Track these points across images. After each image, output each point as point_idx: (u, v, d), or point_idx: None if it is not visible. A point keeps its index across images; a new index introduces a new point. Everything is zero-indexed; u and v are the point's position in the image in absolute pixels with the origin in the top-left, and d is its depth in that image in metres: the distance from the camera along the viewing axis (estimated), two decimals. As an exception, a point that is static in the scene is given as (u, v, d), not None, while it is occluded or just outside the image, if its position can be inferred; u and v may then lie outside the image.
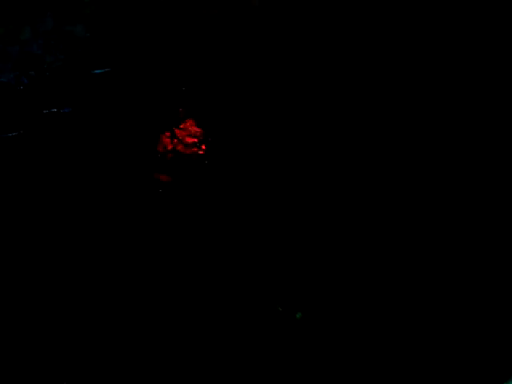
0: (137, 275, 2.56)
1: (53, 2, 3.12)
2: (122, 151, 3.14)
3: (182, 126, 3.19)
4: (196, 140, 3.15)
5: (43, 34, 3.14)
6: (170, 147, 3.15)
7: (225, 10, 3.19)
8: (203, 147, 3.16)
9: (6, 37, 3.13)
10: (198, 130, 3.16)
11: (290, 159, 3.01)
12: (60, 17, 3.14)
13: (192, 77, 3.23)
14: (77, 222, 2.88)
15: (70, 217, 2.90)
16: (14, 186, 2.97)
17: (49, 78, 3.15)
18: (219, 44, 3.22)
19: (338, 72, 3.09)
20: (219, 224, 2.86)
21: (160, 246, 2.74)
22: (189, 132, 3.17)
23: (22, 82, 3.13)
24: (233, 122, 3.17)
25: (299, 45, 3.16)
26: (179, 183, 3.08)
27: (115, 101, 3.15)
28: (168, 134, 3.20)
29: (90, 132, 3.14)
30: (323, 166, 2.93)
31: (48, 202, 2.94)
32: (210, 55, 3.22)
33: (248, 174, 3.03)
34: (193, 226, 2.90)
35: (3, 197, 2.91)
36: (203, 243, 2.75)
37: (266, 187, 2.96)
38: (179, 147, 3.16)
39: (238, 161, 3.08)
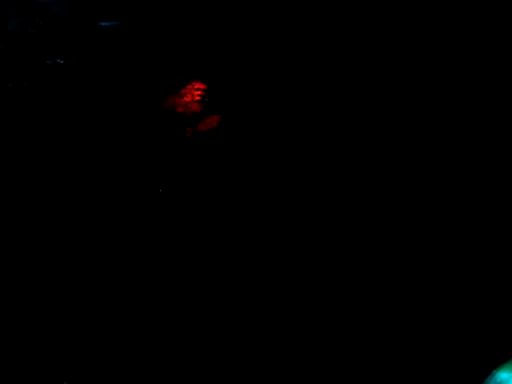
0: (138, 270, 2.54)
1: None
2: (125, 108, 3.11)
3: (188, 86, 3.15)
4: (199, 99, 3.11)
5: (50, -17, 3.09)
6: (175, 106, 3.11)
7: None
8: (201, 108, 3.11)
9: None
10: (202, 88, 3.11)
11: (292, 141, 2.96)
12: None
13: (201, 37, 3.17)
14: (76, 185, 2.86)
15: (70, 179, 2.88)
16: (12, 141, 2.96)
17: (54, 28, 3.11)
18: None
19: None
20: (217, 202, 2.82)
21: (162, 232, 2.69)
22: (193, 92, 3.13)
23: (27, 32, 3.10)
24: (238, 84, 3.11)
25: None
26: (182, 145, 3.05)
27: (121, 55, 3.10)
28: (173, 93, 3.16)
29: (94, 85, 3.11)
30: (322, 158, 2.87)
31: (46, 160, 2.93)
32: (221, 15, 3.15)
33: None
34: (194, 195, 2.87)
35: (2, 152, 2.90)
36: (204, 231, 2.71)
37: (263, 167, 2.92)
38: (181, 108, 3.12)
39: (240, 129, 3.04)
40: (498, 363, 1.99)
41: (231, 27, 3.15)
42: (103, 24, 3.09)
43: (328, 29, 3.07)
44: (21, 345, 2.28)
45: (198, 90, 3.08)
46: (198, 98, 3.11)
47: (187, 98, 3.11)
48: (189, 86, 3.09)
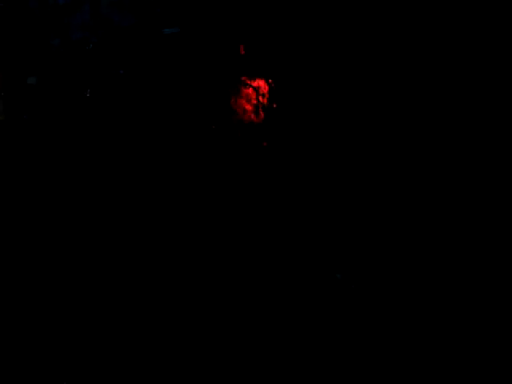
0: (138, 270, 2.51)
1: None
2: (185, 115, 3.02)
3: (245, 91, 3.02)
4: (256, 104, 2.97)
5: (114, -7, 3.08)
6: (233, 111, 2.99)
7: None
8: (263, 114, 2.98)
9: (78, -4, 3.10)
10: (265, 89, 2.97)
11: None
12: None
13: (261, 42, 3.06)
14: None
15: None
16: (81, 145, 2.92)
17: (117, 38, 3.08)
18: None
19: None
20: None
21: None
22: (250, 97, 3.00)
23: (90, 41, 3.08)
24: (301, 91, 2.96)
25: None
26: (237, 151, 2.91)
27: (183, 61, 3.02)
28: (232, 98, 3.04)
29: (154, 93, 3.04)
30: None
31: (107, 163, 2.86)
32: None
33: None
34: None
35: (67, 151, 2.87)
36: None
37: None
38: (239, 115, 2.99)
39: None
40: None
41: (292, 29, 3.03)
42: (166, 31, 3.03)
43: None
44: (21, 345, 2.26)
45: (260, 92, 2.94)
46: (256, 101, 2.97)
47: (248, 103, 2.98)
48: (250, 88, 2.96)
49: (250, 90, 2.95)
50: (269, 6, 2.94)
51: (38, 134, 2.89)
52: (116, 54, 3.08)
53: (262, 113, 2.96)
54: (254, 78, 2.94)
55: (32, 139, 2.89)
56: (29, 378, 2.18)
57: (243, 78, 2.97)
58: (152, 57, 3.06)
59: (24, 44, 3.04)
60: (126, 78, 3.06)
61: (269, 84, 2.92)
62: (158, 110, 3.02)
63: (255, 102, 2.96)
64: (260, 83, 2.93)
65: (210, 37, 3.00)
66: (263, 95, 2.95)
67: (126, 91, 3.05)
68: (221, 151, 2.93)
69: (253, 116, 2.97)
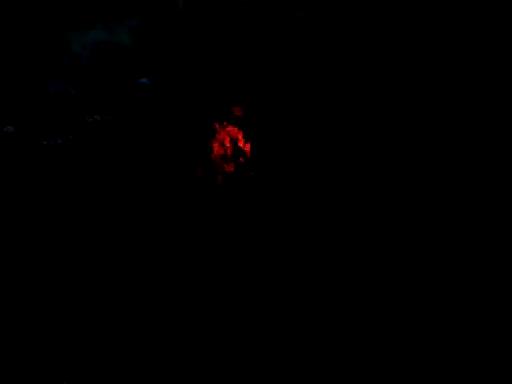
0: (138, 270, 2.50)
1: (102, 14, 3.19)
2: (160, 163, 3.06)
3: (220, 137, 3.08)
4: (230, 153, 3.03)
5: (92, 45, 3.20)
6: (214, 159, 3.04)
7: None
8: (242, 160, 3.02)
9: (58, 50, 3.21)
10: (239, 137, 3.03)
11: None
12: (109, 28, 3.20)
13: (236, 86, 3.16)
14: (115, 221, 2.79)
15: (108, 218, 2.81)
16: (57, 189, 2.94)
17: (94, 86, 3.17)
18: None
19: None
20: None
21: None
22: (226, 145, 3.06)
23: (68, 92, 3.16)
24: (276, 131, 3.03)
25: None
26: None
27: (157, 109, 3.10)
28: (208, 145, 3.09)
29: (132, 139, 3.09)
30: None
31: (87, 206, 2.87)
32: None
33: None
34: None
35: (49, 198, 2.87)
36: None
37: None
38: (216, 162, 3.04)
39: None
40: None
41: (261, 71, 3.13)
42: (141, 81, 3.13)
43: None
44: (21, 345, 2.26)
45: (232, 136, 3.00)
46: (230, 144, 3.02)
47: (220, 148, 3.03)
48: (222, 133, 3.01)
49: (222, 136, 3.01)
50: (238, 61, 3.06)
51: (17, 182, 2.93)
52: (93, 101, 3.15)
53: (233, 155, 3.01)
54: (226, 125, 3.01)
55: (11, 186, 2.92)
56: (29, 377, 2.17)
57: (216, 126, 3.04)
58: (128, 104, 3.14)
59: (2, 94, 3.11)
60: (102, 124, 3.12)
61: (241, 130, 2.99)
62: (136, 156, 3.06)
63: (229, 145, 3.01)
64: (232, 129, 3.00)
65: (183, 87, 3.10)
66: (237, 139, 3.01)
67: (102, 136, 3.10)
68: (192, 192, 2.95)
69: (225, 158, 3.02)
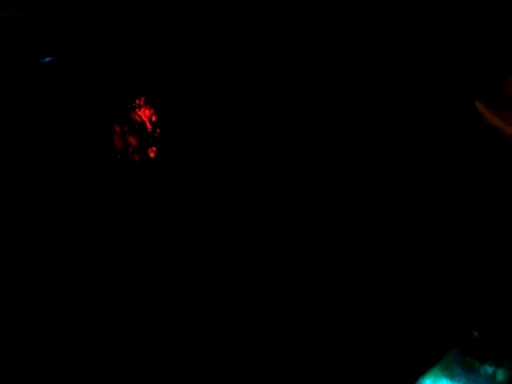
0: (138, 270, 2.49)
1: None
2: (68, 147, 2.98)
3: (132, 120, 3.06)
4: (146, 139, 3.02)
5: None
6: (119, 147, 3.01)
7: None
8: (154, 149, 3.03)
9: None
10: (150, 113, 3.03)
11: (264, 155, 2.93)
12: (3, 4, 3.00)
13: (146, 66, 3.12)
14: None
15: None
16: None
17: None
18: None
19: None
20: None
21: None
22: (137, 130, 3.04)
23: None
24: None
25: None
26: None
27: (61, 89, 2.99)
28: (118, 130, 3.06)
29: (34, 124, 2.97)
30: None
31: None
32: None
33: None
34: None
35: None
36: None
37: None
38: (129, 149, 3.02)
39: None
40: (423, 370, 2.08)
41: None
42: (42, 60, 2.99)
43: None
44: (21, 345, 2.24)
45: (145, 115, 3.00)
46: (139, 140, 3.02)
47: (130, 137, 3.02)
48: (135, 112, 3.00)
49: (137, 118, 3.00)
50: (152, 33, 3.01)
51: None
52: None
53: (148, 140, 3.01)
54: (139, 107, 2.99)
55: None
56: (29, 378, 2.15)
57: (129, 107, 3.01)
58: (31, 85, 3.00)
59: None
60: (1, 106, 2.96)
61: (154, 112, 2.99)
62: (39, 139, 2.95)
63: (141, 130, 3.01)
64: (146, 111, 2.99)
65: (90, 64, 3.01)
66: (149, 122, 3.01)
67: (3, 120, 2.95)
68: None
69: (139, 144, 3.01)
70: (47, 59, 2.99)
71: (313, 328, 2.33)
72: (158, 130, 3.01)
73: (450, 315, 2.35)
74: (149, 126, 3.02)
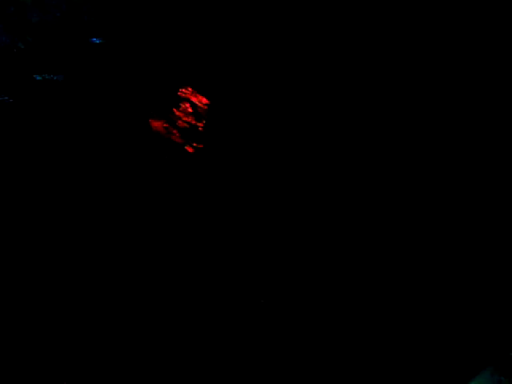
0: (138, 271, 2.51)
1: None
2: (112, 127, 3.03)
3: (179, 109, 3.07)
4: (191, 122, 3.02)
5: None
6: (163, 132, 3.02)
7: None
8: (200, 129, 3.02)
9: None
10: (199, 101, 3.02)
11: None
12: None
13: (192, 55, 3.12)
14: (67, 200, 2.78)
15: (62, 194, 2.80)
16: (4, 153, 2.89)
17: (45, 44, 3.07)
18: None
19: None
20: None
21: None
22: (185, 116, 3.04)
23: (17, 47, 3.06)
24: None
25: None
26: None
27: (110, 71, 3.05)
28: (163, 116, 3.07)
29: (83, 102, 3.05)
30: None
31: (37, 175, 2.84)
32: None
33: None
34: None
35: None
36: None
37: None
38: (172, 136, 3.03)
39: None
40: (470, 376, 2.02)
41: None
42: (94, 40, 3.05)
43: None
44: (21, 345, 2.24)
45: (193, 103, 2.99)
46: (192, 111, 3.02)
47: (176, 123, 3.02)
48: (183, 102, 3.01)
49: (188, 105, 3.00)
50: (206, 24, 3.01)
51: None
52: (43, 59, 3.07)
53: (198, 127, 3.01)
54: (192, 94, 2.99)
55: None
56: (29, 377, 2.17)
57: (180, 94, 3.02)
58: (80, 64, 3.07)
59: None
60: (52, 84, 3.05)
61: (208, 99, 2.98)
62: (90, 119, 3.03)
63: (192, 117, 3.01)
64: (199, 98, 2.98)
65: (137, 48, 3.04)
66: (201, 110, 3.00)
67: (50, 97, 3.04)
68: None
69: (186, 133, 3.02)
70: (97, 40, 3.05)
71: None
72: (203, 121, 3.00)
73: (485, 334, 2.25)
74: (197, 116, 3.02)
